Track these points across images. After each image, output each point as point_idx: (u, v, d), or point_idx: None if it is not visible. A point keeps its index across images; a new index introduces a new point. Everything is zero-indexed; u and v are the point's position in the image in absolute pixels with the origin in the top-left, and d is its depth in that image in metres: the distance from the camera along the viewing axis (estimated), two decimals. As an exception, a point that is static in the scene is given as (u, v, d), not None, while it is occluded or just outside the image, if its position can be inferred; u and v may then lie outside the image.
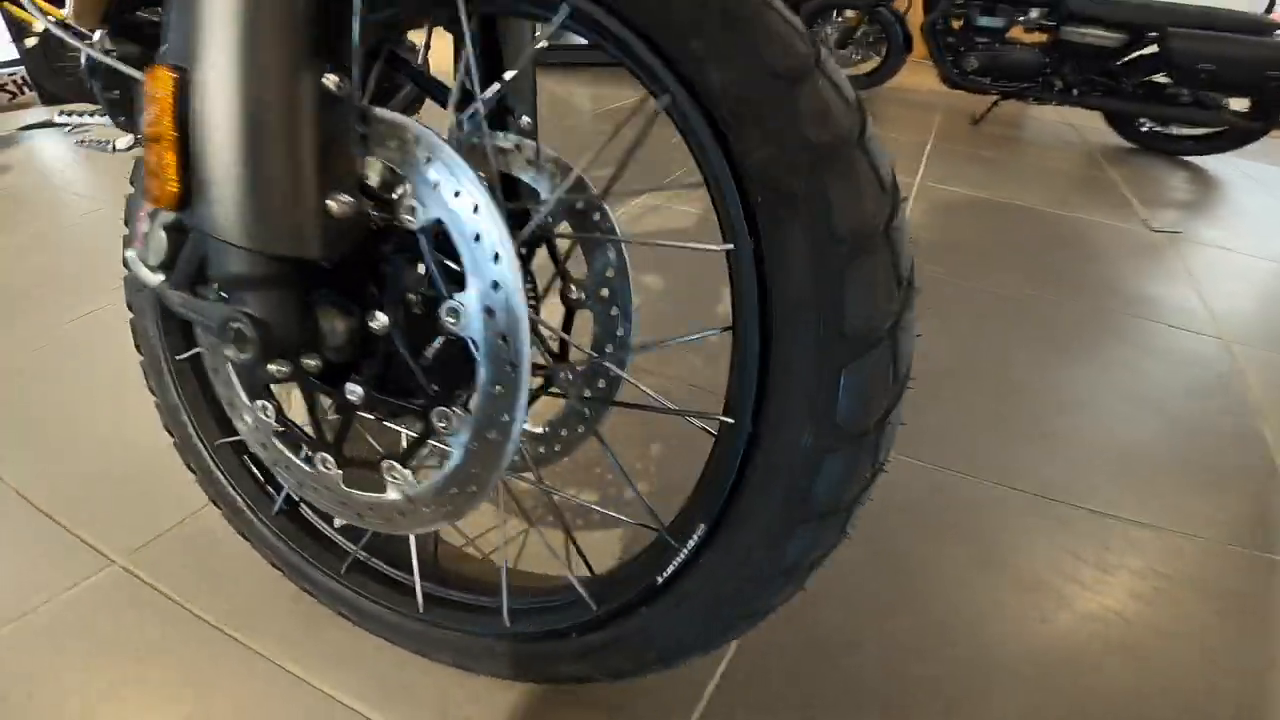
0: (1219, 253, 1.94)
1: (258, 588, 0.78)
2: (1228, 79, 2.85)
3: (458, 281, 0.47)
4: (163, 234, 0.52)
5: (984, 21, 3.03)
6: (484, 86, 0.61)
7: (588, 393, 0.63)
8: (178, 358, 0.72)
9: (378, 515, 0.55)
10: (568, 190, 0.57)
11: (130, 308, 0.73)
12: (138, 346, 0.74)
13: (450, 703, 0.68)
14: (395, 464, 0.52)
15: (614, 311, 0.60)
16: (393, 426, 0.58)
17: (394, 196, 0.47)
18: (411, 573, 0.67)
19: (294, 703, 0.67)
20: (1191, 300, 1.61)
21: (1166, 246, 1.93)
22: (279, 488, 0.72)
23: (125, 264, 0.55)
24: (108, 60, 0.55)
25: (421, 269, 0.50)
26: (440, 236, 0.47)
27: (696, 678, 0.71)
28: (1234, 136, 2.97)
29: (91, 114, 1.49)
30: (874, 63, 3.34)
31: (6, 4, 2.99)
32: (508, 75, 0.58)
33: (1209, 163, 2.97)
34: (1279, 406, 1.24)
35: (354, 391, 0.51)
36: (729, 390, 0.47)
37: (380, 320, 0.49)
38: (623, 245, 0.58)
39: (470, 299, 0.45)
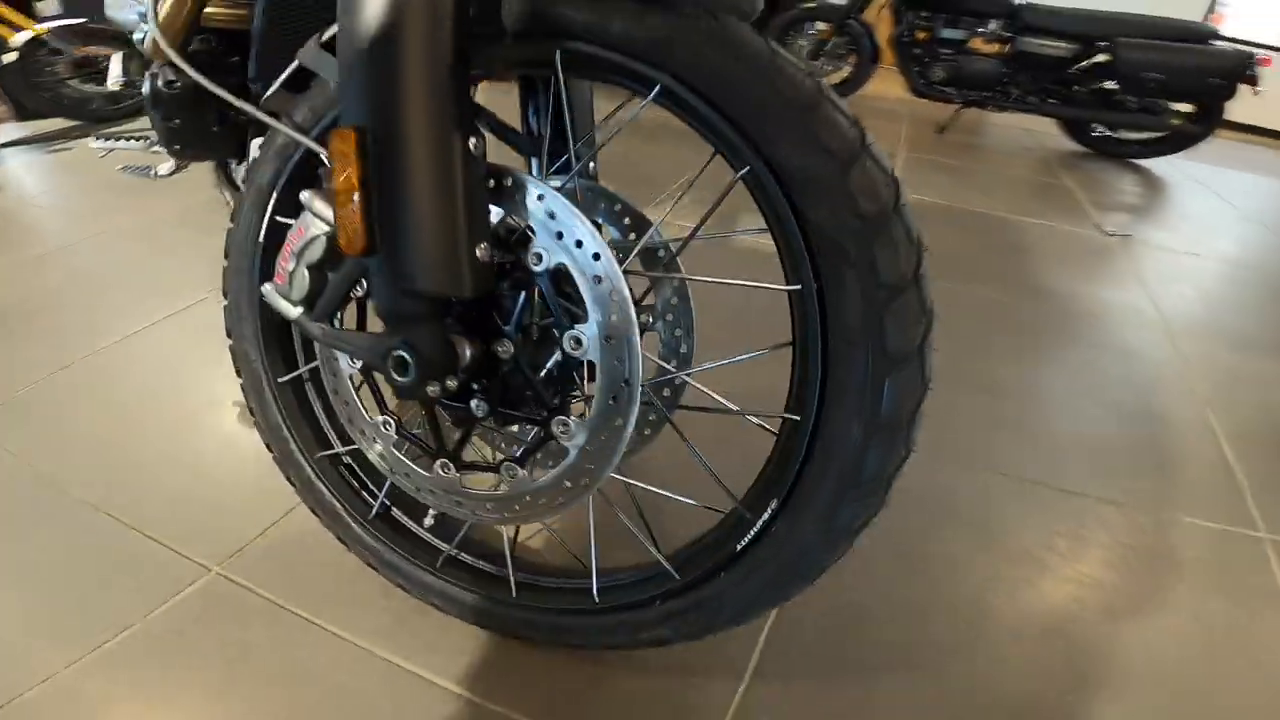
0: (1165, 254, 2.17)
1: (347, 587, 0.88)
2: (1172, 86, 3.10)
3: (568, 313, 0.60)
4: (306, 273, 0.63)
5: (947, 33, 3.26)
6: (548, 132, 0.74)
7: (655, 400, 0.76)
8: (279, 380, 0.82)
9: (495, 510, 0.67)
10: (640, 234, 0.70)
11: (229, 334, 0.84)
12: (238, 370, 0.84)
13: (534, 675, 0.80)
14: (514, 465, 0.64)
15: (678, 332, 0.73)
16: (505, 434, 0.70)
17: (514, 241, 0.59)
18: (498, 563, 0.79)
19: (396, 688, 0.78)
20: (1142, 300, 1.82)
21: (1118, 249, 2.15)
22: (374, 495, 0.83)
23: (262, 297, 0.66)
24: (243, 105, 0.65)
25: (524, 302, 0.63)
26: (556, 276, 0.60)
27: (743, 643, 0.84)
28: (1178, 140, 3.26)
29: (130, 139, 1.56)
30: (845, 72, 3.55)
31: None
32: (582, 130, 0.71)
33: (1156, 165, 3.25)
34: (1222, 396, 1.44)
35: (480, 406, 0.63)
36: (792, 394, 0.61)
37: (505, 346, 0.61)
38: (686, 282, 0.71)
39: (591, 329, 0.57)
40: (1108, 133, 3.32)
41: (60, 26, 3.32)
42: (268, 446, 0.86)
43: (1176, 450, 1.26)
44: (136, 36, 1.16)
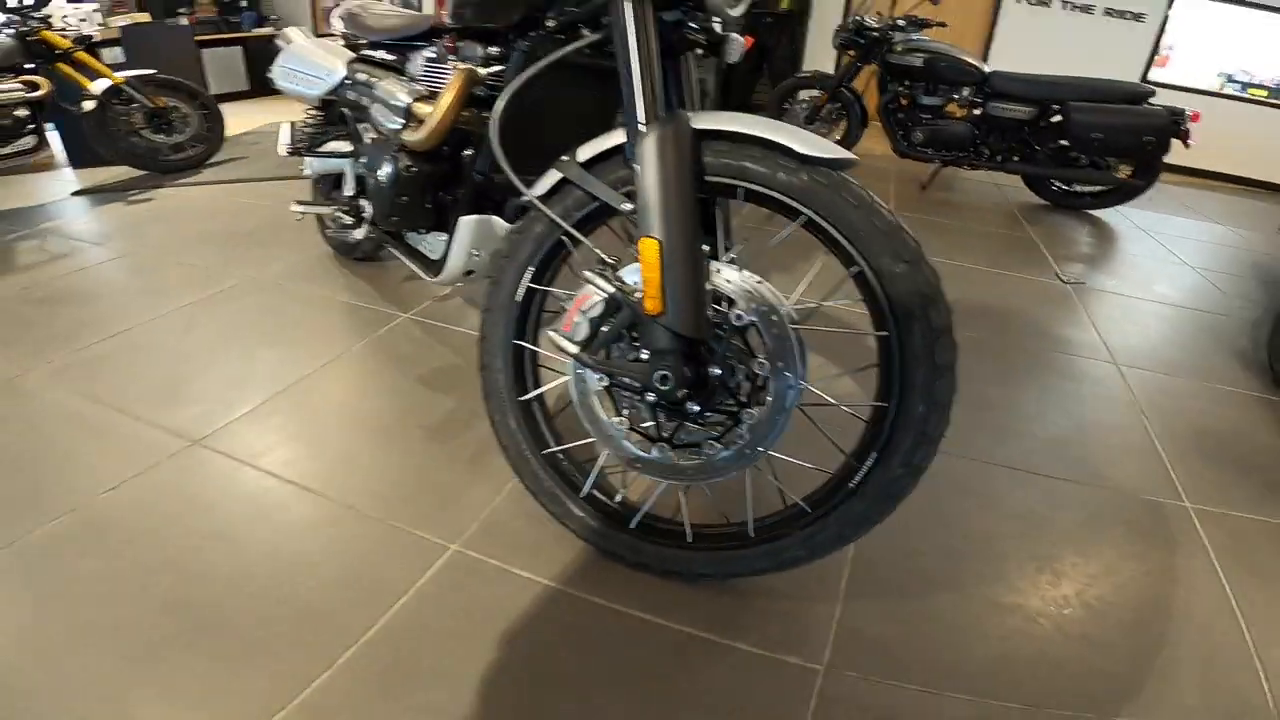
0: (1113, 297, 2.76)
1: (557, 552, 1.31)
2: (1114, 144, 3.69)
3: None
4: (587, 324, 1.10)
5: (926, 100, 3.88)
6: (720, 235, 1.21)
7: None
8: (520, 399, 1.27)
9: (699, 474, 1.13)
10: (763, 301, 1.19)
11: (483, 366, 1.28)
12: (487, 395, 1.29)
13: (699, 601, 1.24)
14: (714, 443, 1.10)
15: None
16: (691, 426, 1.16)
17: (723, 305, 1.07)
18: (673, 522, 1.24)
19: (605, 622, 1.19)
20: (1094, 337, 2.38)
21: (1075, 295, 2.74)
22: (581, 481, 1.27)
23: (550, 340, 1.12)
24: (540, 205, 1.13)
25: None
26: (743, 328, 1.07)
27: (833, 578, 1.30)
28: (1124, 192, 3.90)
29: (322, 206, 2.01)
30: (838, 135, 4.18)
31: (60, 65, 3.32)
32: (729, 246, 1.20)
33: (1107, 215, 3.91)
34: (1156, 407, 1.98)
35: (693, 407, 1.10)
36: (880, 390, 1.08)
37: (713, 369, 1.08)
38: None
39: (771, 360, 1.05)
40: (1064, 187, 3.98)
41: (136, 76, 3.57)
42: (504, 448, 1.30)
43: (1122, 446, 1.79)
44: (391, 127, 1.58)
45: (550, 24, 1.32)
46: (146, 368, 1.82)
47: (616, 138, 1.13)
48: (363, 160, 1.84)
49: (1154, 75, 6.11)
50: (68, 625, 1.13)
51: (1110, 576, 1.38)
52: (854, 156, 1.07)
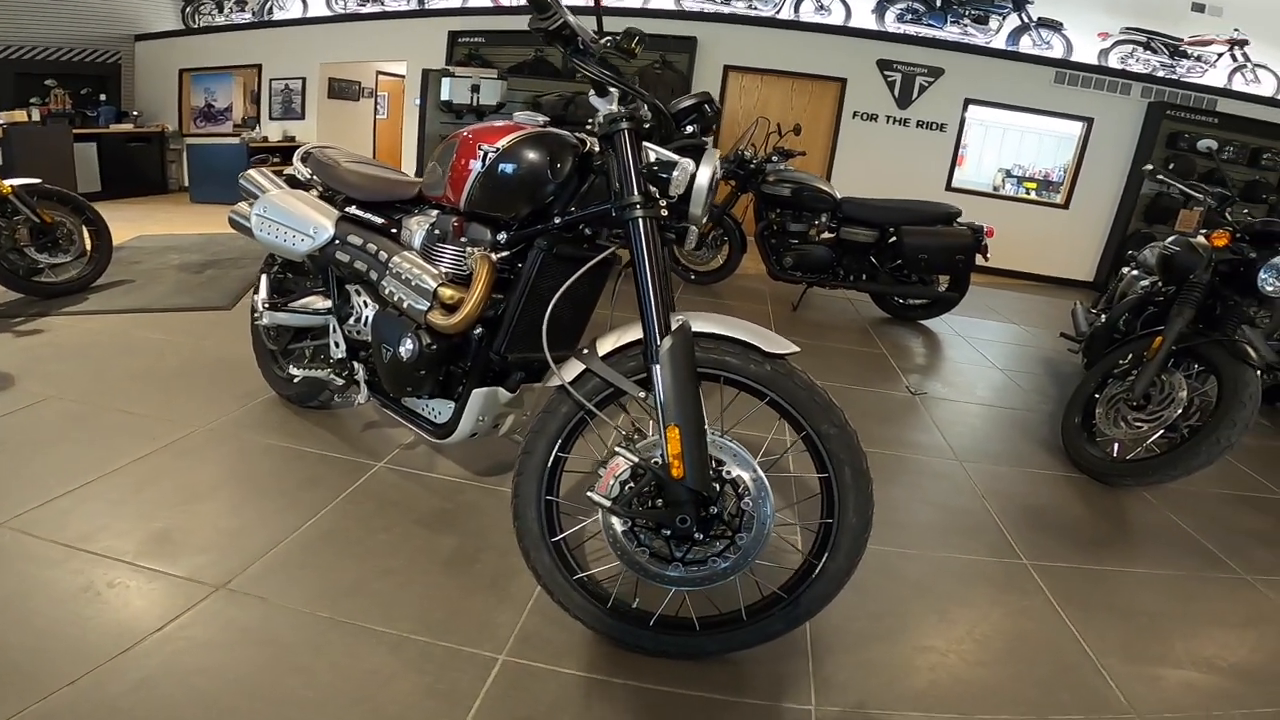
0: (948, 404, 3.67)
1: (587, 651, 1.75)
2: (935, 263, 4.77)
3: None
4: (619, 487, 1.62)
5: (793, 226, 4.80)
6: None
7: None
8: (551, 540, 1.73)
9: (701, 582, 1.65)
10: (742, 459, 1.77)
11: (517, 516, 1.72)
12: (521, 538, 1.73)
13: (704, 675, 1.73)
14: (716, 558, 1.64)
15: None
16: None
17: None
18: (680, 618, 1.75)
19: (635, 696, 1.66)
20: (940, 439, 3.22)
21: (920, 404, 3.62)
22: (607, 595, 1.74)
23: (589, 499, 1.61)
24: (569, 387, 1.65)
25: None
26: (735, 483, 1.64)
27: (800, 637, 1.85)
28: (944, 304, 5.03)
29: (325, 371, 2.25)
30: (721, 258, 5.02)
31: None
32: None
33: (934, 324, 5.01)
34: (992, 493, 2.76)
35: (701, 535, 1.63)
36: (825, 510, 1.67)
37: (714, 510, 1.62)
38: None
39: (754, 504, 1.62)
40: (901, 301, 5.05)
41: (23, 185, 3.36)
42: (538, 578, 1.73)
43: (973, 524, 2.52)
44: (417, 308, 1.85)
45: (557, 220, 1.82)
46: (118, 521, 2.00)
47: (631, 334, 1.63)
48: (366, 328, 2.20)
49: (956, 174, 8.02)
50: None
51: (986, 619, 2.03)
52: (796, 348, 1.67)
